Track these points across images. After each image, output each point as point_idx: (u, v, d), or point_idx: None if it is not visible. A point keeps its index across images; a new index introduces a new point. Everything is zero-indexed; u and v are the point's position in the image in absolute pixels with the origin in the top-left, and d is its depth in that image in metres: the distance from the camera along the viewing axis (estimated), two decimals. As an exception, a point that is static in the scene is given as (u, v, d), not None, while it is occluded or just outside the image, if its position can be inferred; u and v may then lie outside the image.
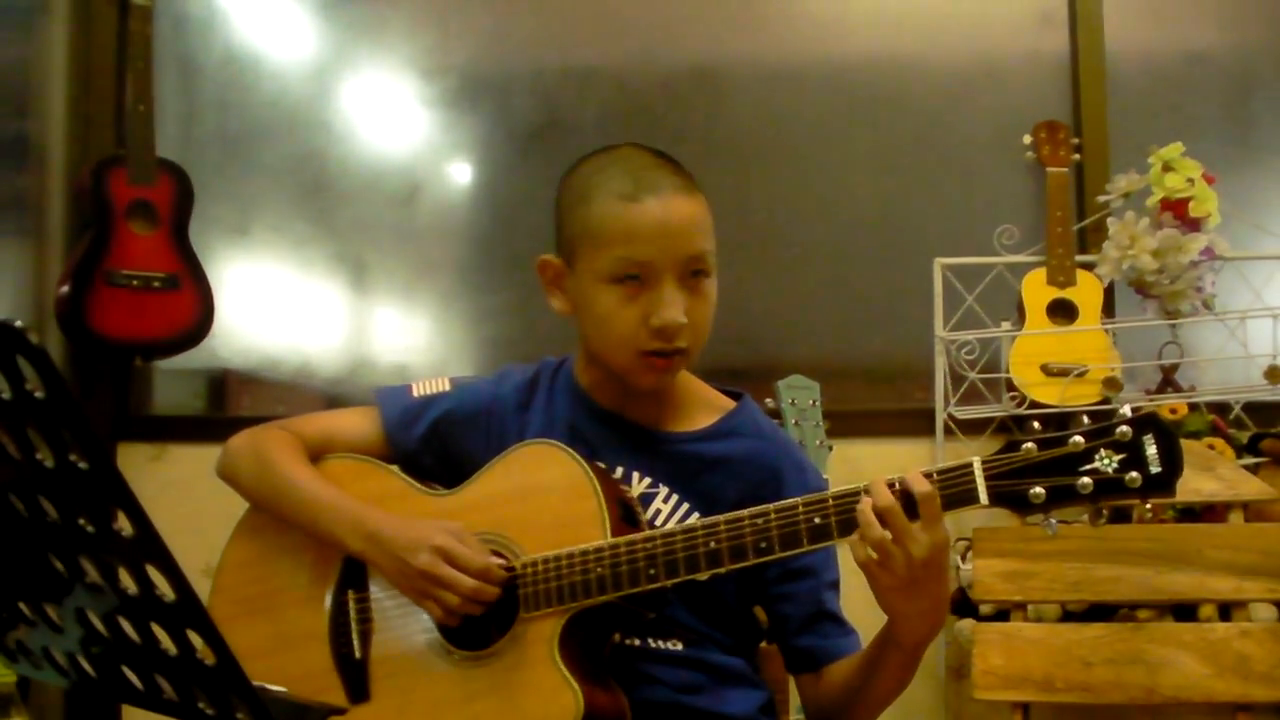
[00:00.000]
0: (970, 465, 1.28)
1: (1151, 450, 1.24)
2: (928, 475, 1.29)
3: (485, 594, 1.39)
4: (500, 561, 1.42)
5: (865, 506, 1.28)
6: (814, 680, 1.51)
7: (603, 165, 1.48)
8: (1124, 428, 1.25)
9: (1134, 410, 1.27)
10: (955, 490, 1.28)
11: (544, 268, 1.53)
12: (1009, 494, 1.27)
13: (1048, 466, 1.27)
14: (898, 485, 1.29)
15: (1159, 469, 1.24)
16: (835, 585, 1.53)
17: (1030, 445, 1.27)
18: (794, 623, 1.51)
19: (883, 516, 1.27)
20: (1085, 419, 1.29)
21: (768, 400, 2.34)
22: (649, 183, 1.43)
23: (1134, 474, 1.24)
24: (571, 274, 1.49)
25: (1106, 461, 1.25)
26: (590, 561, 1.38)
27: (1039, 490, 1.26)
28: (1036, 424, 1.31)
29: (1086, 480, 1.25)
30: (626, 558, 1.37)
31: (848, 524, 1.31)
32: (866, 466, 2.78)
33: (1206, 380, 2.67)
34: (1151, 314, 2.63)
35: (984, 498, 1.28)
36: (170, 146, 2.90)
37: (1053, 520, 1.29)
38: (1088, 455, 1.26)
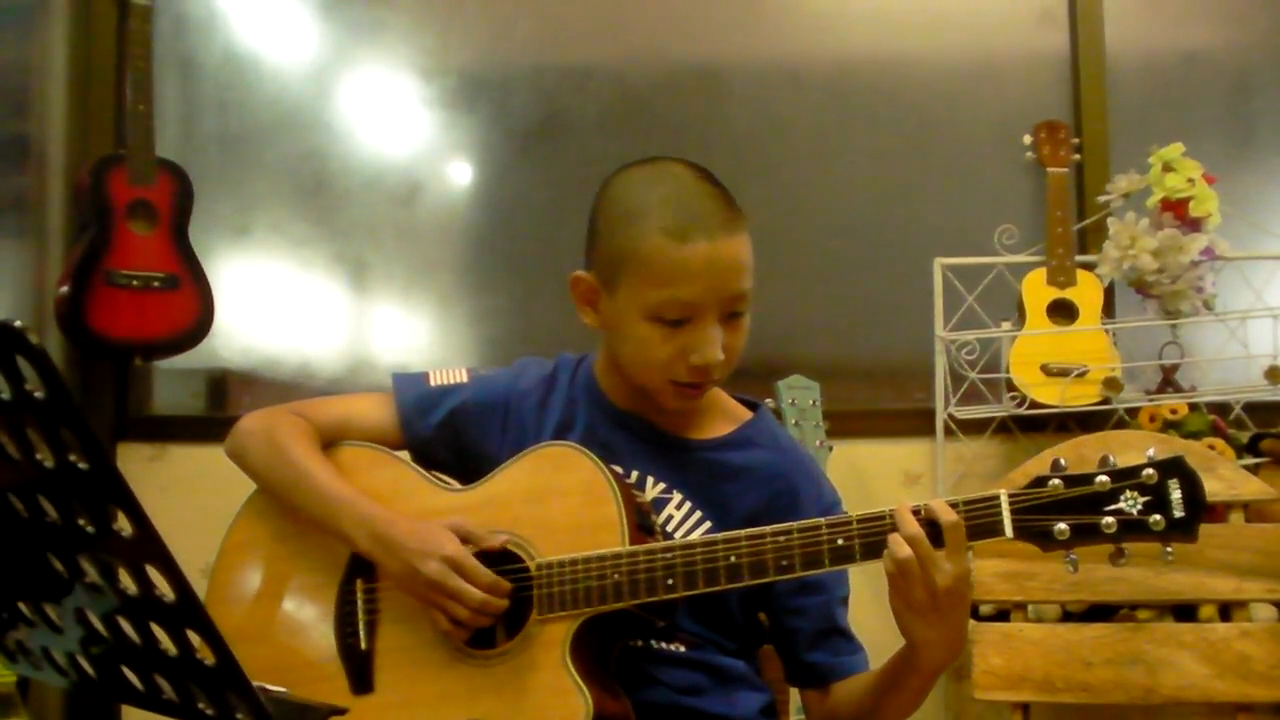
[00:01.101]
0: (997, 498, 1.30)
1: (1176, 495, 1.26)
2: (953, 505, 1.29)
3: (492, 607, 1.38)
4: (507, 548, 1.41)
5: (895, 535, 1.29)
6: (821, 697, 1.51)
7: (649, 187, 1.44)
8: (1150, 470, 1.27)
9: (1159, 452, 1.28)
10: (980, 522, 1.29)
11: (577, 284, 1.50)
12: (1033, 529, 1.29)
13: (1073, 504, 1.28)
14: (923, 512, 1.29)
15: (1182, 514, 1.26)
16: (845, 600, 1.53)
17: (1057, 482, 1.29)
18: (805, 637, 1.50)
19: (908, 544, 1.28)
20: (1111, 458, 1.30)
21: (768, 400, 2.34)
22: (700, 221, 1.39)
23: (1157, 517, 1.26)
24: (609, 297, 1.46)
25: (1131, 502, 1.27)
26: (608, 567, 1.37)
27: (1063, 527, 1.28)
28: (1063, 459, 1.31)
29: (1110, 520, 1.27)
30: (645, 566, 1.36)
31: (871, 547, 1.31)
32: (866, 466, 2.79)
33: (1207, 380, 2.67)
34: (1152, 314, 2.63)
35: (1009, 531, 1.29)
36: (170, 146, 2.90)
37: (1074, 557, 1.31)
38: (1113, 495, 1.28)
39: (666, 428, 1.53)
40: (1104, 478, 1.28)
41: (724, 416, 1.57)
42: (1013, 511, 1.29)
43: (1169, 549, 1.28)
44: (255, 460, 1.55)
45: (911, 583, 1.28)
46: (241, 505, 1.59)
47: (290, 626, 1.50)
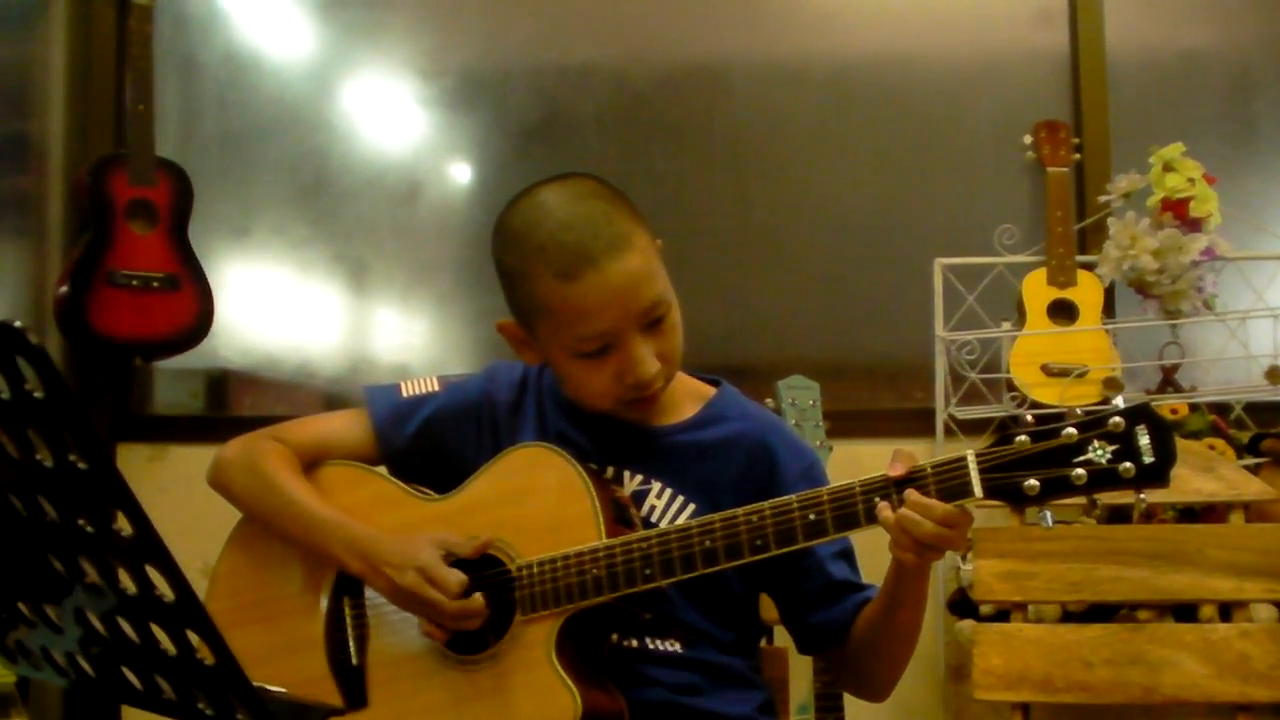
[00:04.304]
0: (964, 459, 1.29)
1: (1144, 441, 1.24)
2: (920, 470, 1.30)
3: (469, 615, 1.39)
4: (489, 552, 1.42)
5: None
6: (842, 649, 1.51)
7: (529, 229, 1.42)
8: (1117, 419, 1.25)
9: (1126, 402, 1.27)
10: (949, 484, 1.29)
11: (504, 331, 1.52)
12: (1003, 486, 1.28)
13: (1041, 458, 1.27)
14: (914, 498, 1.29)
15: (1152, 459, 1.24)
16: (844, 554, 1.52)
17: (1024, 438, 1.27)
18: (811, 599, 1.50)
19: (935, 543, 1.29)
20: (1078, 410, 1.29)
21: (768, 400, 2.34)
22: (583, 252, 1.37)
23: (1127, 464, 1.24)
24: (534, 340, 1.48)
25: (1100, 452, 1.25)
26: (586, 563, 1.38)
27: (1033, 482, 1.26)
28: (1029, 416, 1.30)
29: (1080, 471, 1.25)
30: (622, 558, 1.37)
31: (844, 520, 1.32)
32: (867, 466, 2.77)
33: (1207, 380, 2.67)
34: (1152, 314, 2.63)
35: (978, 491, 1.28)
36: (170, 146, 2.90)
37: (1047, 513, 1.29)
38: (1081, 446, 1.26)
39: (634, 421, 1.53)
40: (1071, 429, 1.26)
41: (688, 398, 1.57)
42: (981, 470, 1.28)
43: (1142, 497, 1.27)
44: (239, 490, 1.56)
45: (930, 555, 1.32)
46: (228, 537, 1.59)
47: (283, 648, 1.51)
